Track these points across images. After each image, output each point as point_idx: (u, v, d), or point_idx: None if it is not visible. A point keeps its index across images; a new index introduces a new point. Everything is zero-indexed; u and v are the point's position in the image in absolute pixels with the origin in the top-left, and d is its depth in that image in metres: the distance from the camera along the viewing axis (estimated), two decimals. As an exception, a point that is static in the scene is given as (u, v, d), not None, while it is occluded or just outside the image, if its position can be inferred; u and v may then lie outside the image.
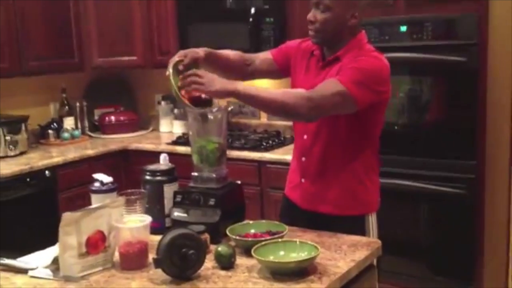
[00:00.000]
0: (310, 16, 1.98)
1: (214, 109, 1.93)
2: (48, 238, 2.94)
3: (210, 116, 1.93)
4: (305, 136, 2.04)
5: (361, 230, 1.99)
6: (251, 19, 3.42)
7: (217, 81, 1.83)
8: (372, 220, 2.05)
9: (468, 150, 2.84)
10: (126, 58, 3.97)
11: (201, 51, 2.00)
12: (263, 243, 1.68)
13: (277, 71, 2.20)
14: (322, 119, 1.95)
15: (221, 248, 1.66)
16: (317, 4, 1.95)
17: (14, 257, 1.76)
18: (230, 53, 2.17)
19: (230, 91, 1.83)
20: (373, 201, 2.07)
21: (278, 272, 1.59)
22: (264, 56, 2.20)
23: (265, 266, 1.61)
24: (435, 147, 2.93)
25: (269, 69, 2.19)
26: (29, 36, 3.54)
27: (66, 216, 1.60)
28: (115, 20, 3.93)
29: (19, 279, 1.65)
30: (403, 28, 2.90)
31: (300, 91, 1.90)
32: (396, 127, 3.06)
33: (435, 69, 2.89)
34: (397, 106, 3.04)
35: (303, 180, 2.08)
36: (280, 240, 1.74)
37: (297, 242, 1.71)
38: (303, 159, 2.07)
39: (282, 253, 1.67)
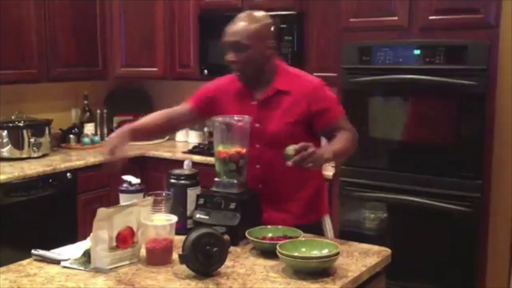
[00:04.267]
0: (230, 57, 2.04)
1: (238, 119, 2.04)
2: (67, 235, 3.08)
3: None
4: (257, 166, 2.11)
5: (319, 232, 2.14)
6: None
7: (320, 158, 1.87)
8: (327, 221, 2.23)
9: (475, 169, 2.91)
10: (147, 69, 4.08)
11: (124, 140, 2.04)
12: (282, 242, 1.79)
13: (200, 117, 2.30)
14: (276, 146, 1.98)
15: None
16: (234, 45, 2.01)
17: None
18: (152, 121, 2.19)
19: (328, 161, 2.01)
20: (325, 204, 2.27)
21: (302, 269, 1.68)
22: (183, 109, 2.23)
23: (287, 264, 1.70)
24: (443, 165, 3.00)
25: (191, 118, 2.25)
26: (57, 45, 3.66)
27: (101, 212, 1.70)
28: (139, 32, 4.04)
29: (52, 269, 1.74)
30: (417, 52, 2.98)
31: (348, 135, 2.06)
32: (405, 146, 3.17)
33: (445, 92, 2.96)
34: (407, 125, 3.14)
35: (260, 186, 2.13)
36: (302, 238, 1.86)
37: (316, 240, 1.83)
38: (260, 186, 2.13)
39: (303, 249, 1.77)
